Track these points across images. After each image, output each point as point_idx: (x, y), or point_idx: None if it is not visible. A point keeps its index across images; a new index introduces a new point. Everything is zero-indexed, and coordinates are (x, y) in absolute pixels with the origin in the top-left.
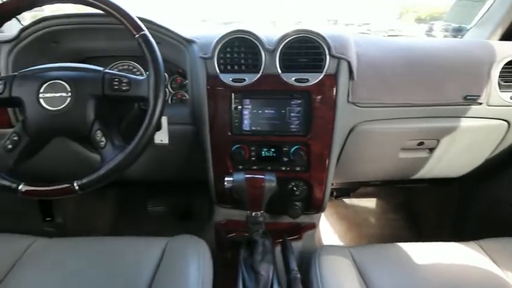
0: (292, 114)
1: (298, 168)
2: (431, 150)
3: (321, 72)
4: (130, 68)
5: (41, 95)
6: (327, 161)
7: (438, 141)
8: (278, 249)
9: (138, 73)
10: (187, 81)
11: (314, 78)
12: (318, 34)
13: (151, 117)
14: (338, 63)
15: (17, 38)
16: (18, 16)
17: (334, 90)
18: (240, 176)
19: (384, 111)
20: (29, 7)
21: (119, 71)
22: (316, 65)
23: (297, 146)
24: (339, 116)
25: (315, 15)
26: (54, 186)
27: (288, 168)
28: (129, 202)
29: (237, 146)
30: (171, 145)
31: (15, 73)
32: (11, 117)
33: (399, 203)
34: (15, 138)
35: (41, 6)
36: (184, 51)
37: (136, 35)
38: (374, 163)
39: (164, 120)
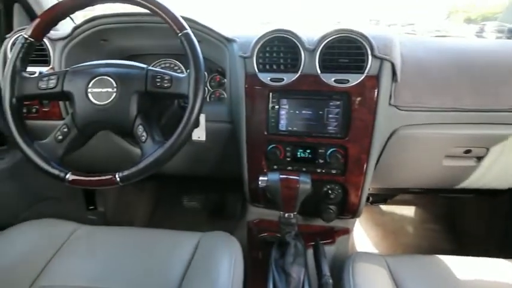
0: (330, 116)
1: (334, 171)
2: (479, 159)
3: (362, 73)
4: (172, 65)
5: (89, 90)
6: (365, 165)
7: (488, 149)
8: (310, 252)
9: (179, 71)
10: (225, 80)
11: (354, 80)
12: (360, 34)
13: (190, 114)
14: (381, 64)
15: (70, 36)
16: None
17: (376, 92)
18: (275, 176)
19: (429, 116)
20: (82, 6)
21: (161, 68)
22: (357, 65)
23: (333, 149)
24: (380, 119)
25: (355, 15)
26: (98, 177)
27: (324, 171)
28: (165, 196)
29: (273, 145)
30: (207, 142)
31: (67, 69)
32: (62, 110)
33: (440, 213)
34: (65, 129)
35: (93, 5)
36: (225, 50)
37: (179, 34)
38: (415, 169)
39: (202, 117)
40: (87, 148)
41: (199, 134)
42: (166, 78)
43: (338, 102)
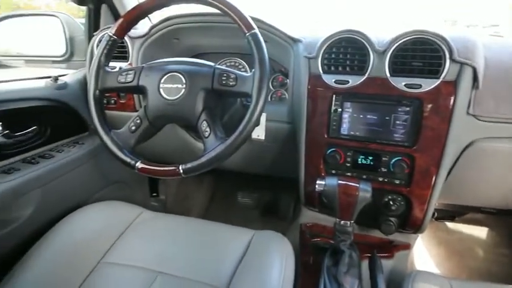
0: (398, 122)
1: (397, 181)
2: None
3: (438, 78)
4: (237, 64)
5: (161, 85)
6: (434, 178)
7: None
8: (365, 264)
9: (243, 70)
10: (288, 80)
11: (428, 85)
12: (437, 35)
13: (252, 112)
14: (460, 69)
15: (147, 34)
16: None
17: (452, 100)
18: (333, 181)
19: None
20: (160, 7)
21: (227, 67)
22: (432, 69)
23: (398, 157)
24: (454, 129)
25: (427, 15)
26: (163, 167)
27: (386, 180)
28: (221, 190)
29: (332, 149)
30: (266, 141)
31: (143, 65)
32: (136, 102)
33: None
34: (138, 121)
35: (169, 6)
36: (290, 50)
37: (247, 33)
38: (491, 187)
39: (263, 116)
40: (154, 139)
41: (259, 133)
42: (232, 76)
43: (407, 108)
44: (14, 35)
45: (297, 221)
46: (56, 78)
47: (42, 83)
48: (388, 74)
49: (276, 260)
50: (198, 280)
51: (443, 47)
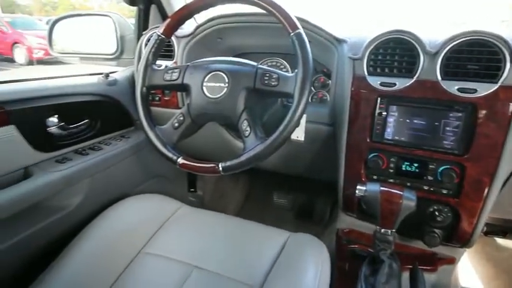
0: (448, 129)
1: (444, 191)
2: None
3: (496, 82)
4: (278, 64)
5: (204, 84)
6: (486, 190)
7: None
8: (405, 275)
9: (284, 70)
10: (329, 81)
11: (484, 89)
12: (498, 37)
13: (293, 113)
14: None
15: (193, 34)
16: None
17: (511, 106)
18: (375, 187)
19: None
20: (207, 7)
21: (268, 66)
22: (489, 73)
23: (447, 166)
24: None
25: (483, 15)
26: (203, 164)
27: (432, 189)
28: (257, 189)
29: (375, 154)
30: (305, 143)
31: (188, 63)
32: (179, 100)
33: None
34: (181, 118)
35: (215, 6)
36: (334, 51)
37: (292, 33)
38: None
39: (303, 117)
40: (195, 136)
41: (298, 134)
42: (274, 76)
43: (459, 114)
44: (70, 33)
45: (333, 225)
46: (107, 75)
47: (94, 79)
48: (439, 77)
49: (312, 264)
50: (233, 277)
51: (504, 49)
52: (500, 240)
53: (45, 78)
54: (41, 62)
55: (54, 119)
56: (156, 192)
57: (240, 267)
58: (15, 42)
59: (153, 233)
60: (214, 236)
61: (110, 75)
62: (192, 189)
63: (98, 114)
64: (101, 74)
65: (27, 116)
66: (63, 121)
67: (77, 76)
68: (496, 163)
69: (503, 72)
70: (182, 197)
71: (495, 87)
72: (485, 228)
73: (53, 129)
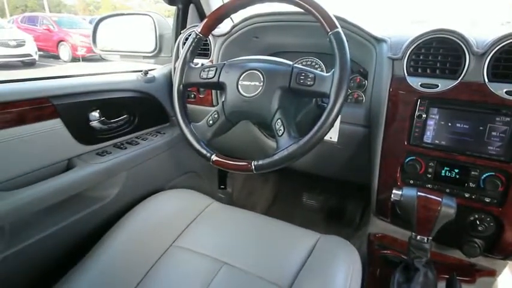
0: (494, 134)
1: (487, 200)
2: None
3: None
4: (313, 64)
5: (240, 82)
6: None
7: None
8: (441, 285)
9: (319, 69)
10: (366, 82)
11: None
12: None
13: (329, 114)
14: None
15: (229, 33)
16: None
17: None
18: (412, 192)
19: None
20: (244, 6)
21: (303, 65)
22: None
23: (492, 173)
24: None
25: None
26: (236, 162)
27: (474, 197)
28: (286, 189)
29: (412, 158)
30: (339, 144)
31: (224, 62)
32: (213, 98)
33: None
34: (216, 116)
35: (253, 5)
36: (372, 51)
37: (330, 32)
38: None
39: (338, 118)
40: (228, 134)
41: (331, 135)
42: (310, 76)
43: (508, 119)
44: (112, 32)
45: (364, 229)
46: (146, 72)
47: (134, 76)
48: (486, 79)
49: (342, 267)
50: (261, 276)
51: None
52: None
53: (88, 75)
54: (83, 59)
55: (96, 114)
56: (188, 188)
57: (269, 267)
58: (61, 40)
59: (185, 227)
60: (244, 234)
61: (149, 72)
62: (222, 186)
63: (136, 110)
64: (140, 71)
65: (72, 110)
66: (104, 116)
67: (117, 73)
68: None
69: None
70: (212, 193)
71: None
72: None
73: (94, 124)
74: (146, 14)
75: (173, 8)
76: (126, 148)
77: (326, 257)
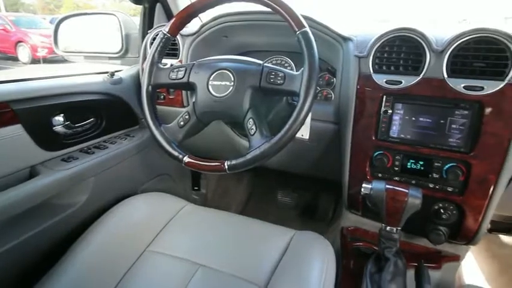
0: (454, 126)
1: (450, 189)
2: None
3: (503, 80)
4: (283, 62)
5: (210, 82)
6: (491, 188)
7: None
8: (410, 273)
9: (289, 68)
10: (334, 79)
11: (491, 87)
12: (505, 34)
13: (299, 112)
14: None
15: (198, 32)
16: None
17: None
18: (380, 185)
19: None
20: (212, 5)
21: (273, 65)
22: (496, 71)
23: (453, 163)
24: None
25: (483, 12)
26: (209, 163)
27: (437, 187)
28: (261, 188)
29: (380, 152)
30: (310, 141)
31: (194, 62)
32: (183, 98)
33: None
34: (187, 116)
35: (221, 4)
36: (339, 49)
37: (298, 32)
38: None
39: (308, 116)
40: (200, 135)
41: (303, 132)
42: (280, 75)
43: (466, 112)
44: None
45: (337, 223)
46: (112, 74)
47: (100, 78)
48: (445, 75)
49: (317, 261)
50: (238, 276)
51: (511, 46)
52: (505, 237)
53: (50, 78)
54: (45, 60)
55: (60, 118)
56: (160, 191)
57: (245, 266)
58: (19, 41)
59: (158, 231)
60: (220, 235)
61: (115, 74)
62: (196, 188)
63: (103, 113)
64: (106, 72)
65: (34, 115)
66: (69, 120)
67: (82, 75)
68: (502, 161)
69: (510, 70)
70: (186, 195)
71: (502, 84)
72: (489, 226)
73: (58, 128)
74: (111, 14)
75: (139, 7)
76: (93, 153)
77: (301, 252)
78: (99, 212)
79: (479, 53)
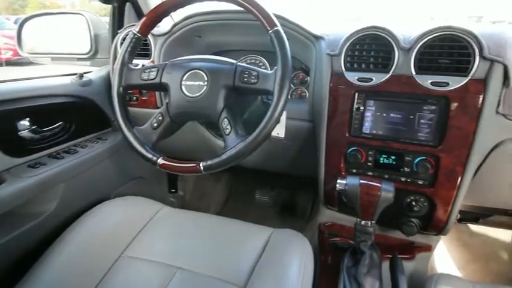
0: (422, 121)
1: (420, 182)
2: None
3: (466, 76)
4: (257, 62)
5: (183, 83)
6: (459, 179)
7: None
8: (385, 265)
9: (263, 67)
10: (308, 78)
11: (456, 83)
12: (467, 32)
13: (273, 110)
14: (490, 66)
15: (170, 32)
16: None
17: (481, 98)
18: (354, 181)
19: None
20: (183, 4)
21: (247, 64)
22: (460, 67)
23: (422, 157)
24: (483, 128)
25: (451, 11)
26: (184, 164)
27: (409, 180)
28: (239, 188)
29: (354, 148)
30: (286, 139)
31: (166, 62)
32: (157, 99)
33: None
34: (160, 118)
35: (192, 4)
36: (312, 48)
37: (270, 31)
38: None
39: (283, 114)
40: (175, 136)
41: (278, 131)
42: (254, 74)
43: (433, 107)
44: (40, 33)
45: (315, 220)
46: (81, 75)
47: (68, 80)
48: (413, 72)
49: (295, 259)
50: (217, 277)
51: (473, 43)
52: (473, 227)
53: (14, 80)
54: (9, 63)
55: (25, 123)
56: (136, 195)
57: (223, 266)
58: None
59: (134, 236)
60: (197, 236)
61: (84, 75)
62: (173, 190)
63: (72, 116)
64: (75, 74)
65: None
66: (36, 124)
67: (48, 77)
68: (468, 153)
69: (472, 66)
70: (163, 198)
71: (465, 80)
72: (458, 216)
73: (24, 133)
74: (78, 13)
75: (109, 7)
76: (63, 158)
77: (279, 250)
78: (71, 219)
79: (444, 50)
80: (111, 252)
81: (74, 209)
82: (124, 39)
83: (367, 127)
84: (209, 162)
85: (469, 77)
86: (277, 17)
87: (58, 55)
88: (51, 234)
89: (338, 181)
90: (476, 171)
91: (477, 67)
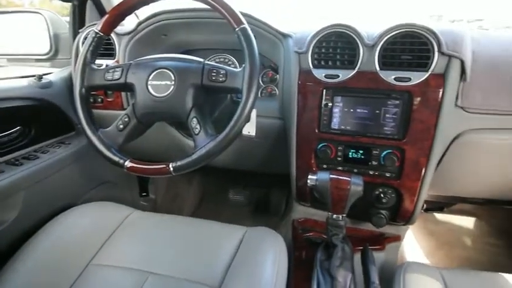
0: (388, 116)
1: (388, 174)
2: None
3: (427, 71)
4: (226, 60)
5: (149, 82)
6: (423, 170)
7: None
8: (357, 257)
9: (232, 65)
10: (278, 76)
11: (417, 78)
12: (427, 29)
13: (243, 108)
14: (448, 62)
15: (134, 31)
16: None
17: (441, 92)
18: (325, 176)
19: (499, 120)
20: (147, 2)
21: (216, 63)
22: (421, 63)
23: (389, 150)
24: (443, 121)
25: (413, 10)
26: (153, 166)
27: (377, 173)
28: (212, 188)
29: (324, 144)
30: (257, 137)
31: (131, 62)
32: (123, 100)
33: (503, 226)
34: (126, 119)
35: (156, 1)
36: (279, 46)
37: (237, 29)
38: (478, 178)
39: (253, 113)
40: (143, 138)
41: (249, 129)
42: (222, 72)
43: (397, 102)
44: None
45: (289, 216)
46: (40, 77)
47: (25, 82)
48: (377, 68)
49: (269, 256)
50: (191, 279)
51: (432, 40)
52: (439, 215)
53: None
54: None
55: None
56: (105, 200)
57: (197, 268)
58: None
59: (102, 243)
60: (168, 239)
61: (44, 77)
62: (144, 194)
63: (31, 120)
64: (33, 76)
65: None
66: None
67: (4, 79)
68: (430, 145)
69: (432, 62)
70: (134, 203)
71: (426, 75)
72: (424, 206)
73: None
74: (36, 12)
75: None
76: (22, 164)
77: (253, 249)
78: (34, 228)
79: (406, 47)
80: (78, 261)
81: (38, 218)
82: (86, 38)
83: (335, 123)
84: (179, 163)
85: (429, 72)
86: (244, 15)
87: (15, 56)
88: (11, 245)
89: (309, 177)
90: (439, 162)
91: (436, 62)
